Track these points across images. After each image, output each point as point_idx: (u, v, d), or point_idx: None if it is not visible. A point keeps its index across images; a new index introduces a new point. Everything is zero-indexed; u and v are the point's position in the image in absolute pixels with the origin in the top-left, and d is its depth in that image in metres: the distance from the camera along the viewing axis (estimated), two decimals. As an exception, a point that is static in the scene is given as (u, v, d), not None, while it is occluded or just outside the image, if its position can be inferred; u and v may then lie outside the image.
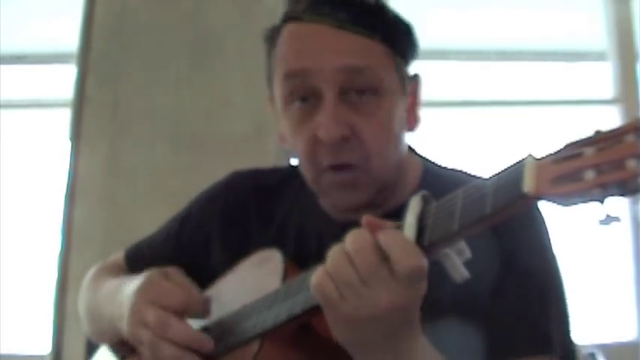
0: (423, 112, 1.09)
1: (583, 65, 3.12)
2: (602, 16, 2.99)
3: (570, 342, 0.98)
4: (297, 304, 0.88)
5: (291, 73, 0.99)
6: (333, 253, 0.79)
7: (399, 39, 1.03)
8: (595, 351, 1.79)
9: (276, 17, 1.07)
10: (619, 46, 2.92)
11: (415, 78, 1.07)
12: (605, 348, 2.04)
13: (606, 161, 0.62)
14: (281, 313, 0.90)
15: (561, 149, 0.67)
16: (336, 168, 0.98)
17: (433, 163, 1.11)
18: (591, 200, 0.63)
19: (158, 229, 1.26)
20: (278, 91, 1.02)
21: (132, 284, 1.05)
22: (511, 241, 0.95)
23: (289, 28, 1.02)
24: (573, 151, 0.66)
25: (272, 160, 2.54)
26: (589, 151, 0.64)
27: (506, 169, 0.71)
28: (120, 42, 2.71)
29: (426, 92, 1.09)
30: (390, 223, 0.79)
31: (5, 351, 2.64)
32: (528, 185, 0.66)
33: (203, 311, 1.04)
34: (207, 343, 0.97)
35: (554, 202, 0.66)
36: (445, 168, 1.10)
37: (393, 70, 1.01)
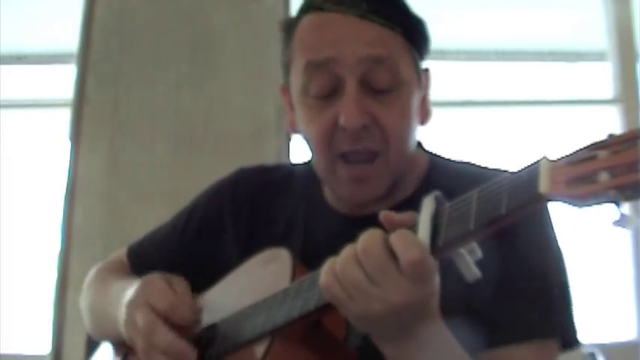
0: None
1: (583, 65, 3.12)
2: (602, 16, 2.99)
3: (573, 328, 1.00)
4: (310, 301, 0.88)
5: (314, 62, 1.00)
6: (344, 253, 0.80)
7: (416, 33, 1.05)
8: (595, 351, 1.79)
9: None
10: (619, 46, 2.92)
11: (426, 72, 1.09)
12: (605, 348, 2.04)
13: (620, 164, 0.64)
14: (293, 310, 0.90)
15: (575, 152, 0.68)
16: (355, 154, 0.99)
17: (440, 157, 1.13)
18: (605, 202, 0.65)
19: (160, 225, 1.26)
20: (297, 79, 1.03)
21: (133, 286, 1.05)
22: (515, 232, 0.95)
23: (310, 18, 1.04)
24: (587, 153, 0.67)
25: (272, 160, 2.54)
26: (603, 153, 0.66)
27: (520, 171, 0.72)
28: (120, 42, 2.71)
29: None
30: (405, 219, 0.80)
31: (5, 351, 2.64)
32: (544, 186, 0.68)
33: (191, 318, 1.00)
34: (189, 356, 0.96)
35: (569, 203, 0.67)
36: (452, 161, 1.12)
37: (410, 63, 1.03)
